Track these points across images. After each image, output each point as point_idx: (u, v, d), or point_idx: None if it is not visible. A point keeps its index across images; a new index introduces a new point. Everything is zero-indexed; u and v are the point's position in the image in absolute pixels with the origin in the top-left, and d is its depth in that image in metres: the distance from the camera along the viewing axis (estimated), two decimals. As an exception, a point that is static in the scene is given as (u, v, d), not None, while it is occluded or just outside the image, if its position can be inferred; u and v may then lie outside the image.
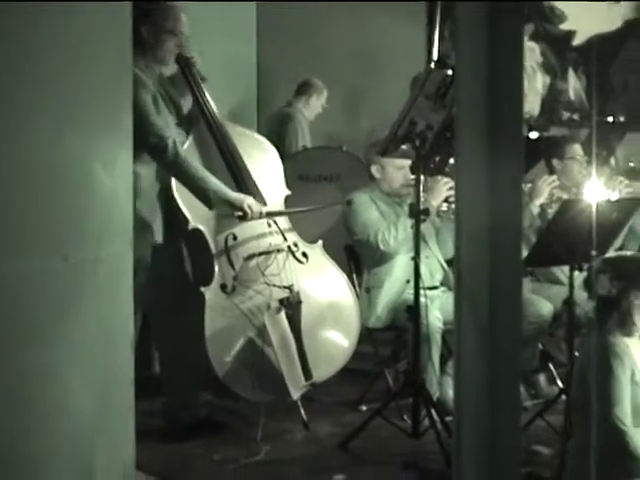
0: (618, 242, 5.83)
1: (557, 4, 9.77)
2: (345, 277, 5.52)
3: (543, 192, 5.85)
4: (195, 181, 4.88)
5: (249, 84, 8.81)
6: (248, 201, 4.98)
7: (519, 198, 1.70)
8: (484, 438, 1.90)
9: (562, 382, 5.55)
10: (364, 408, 5.61)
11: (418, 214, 4.98)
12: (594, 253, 4.47)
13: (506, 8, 1.67)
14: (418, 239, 5.00)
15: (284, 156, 6.17)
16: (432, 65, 4.91)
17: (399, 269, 5.60)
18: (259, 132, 5.81)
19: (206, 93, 5.13)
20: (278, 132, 8.05)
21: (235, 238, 5.10)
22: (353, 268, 5.84)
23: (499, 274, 1.69)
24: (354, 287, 5.62)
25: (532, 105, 9.62)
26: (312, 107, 8.34)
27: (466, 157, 1.89)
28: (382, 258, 5.61)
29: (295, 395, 5.07)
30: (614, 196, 5.91)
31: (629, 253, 4.60)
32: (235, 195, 4.98)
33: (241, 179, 5.11)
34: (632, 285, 3.93)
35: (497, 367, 1.77)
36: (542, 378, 5.92)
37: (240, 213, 4.96)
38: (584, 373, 3.96)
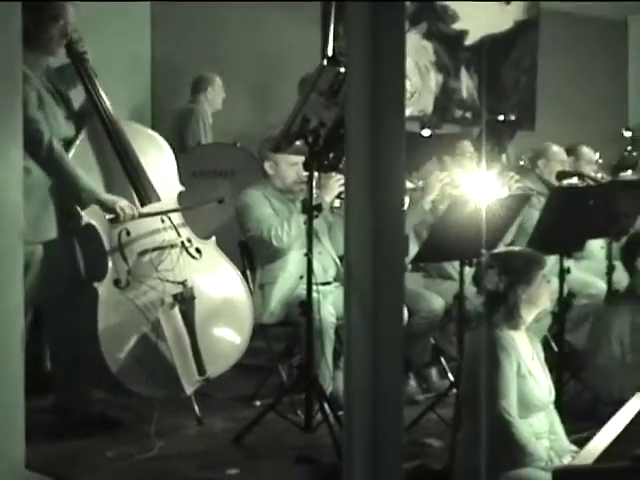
0: (508, 238, 5.96)
1: (450, 4, 9.92)
2: (238, 273, 5.52)
3: (435, 188, 5.93)
4: (67, 179, 4.83)
5: (144, 82, 8.73)
6: (120, 203, 4.94)
7: (401, 195, 1.75)
8: (370, 430, 1.94)
9: (453, 375, 5.66)
10: (258, 403, 5.64)
11: (310, 210, 5.01)
12: (484, 249, 4.57)
13: (386, 9, 1.71)
14: (310, 235, 5.04)
15: (178, 152, 6.15)
16: (325, 62, 4.93)
17: (292, 265, 5.63)
18: (155, 129, 5.77)
19: (99, 88, 5.08)
20: (181, 128, 8.05)
21: (129, 234, 5.07)
22: (247, 264, 5.86)
23: (382, 268, 1.73)
24: (247, 283, 5.64)
25: (426, 103, 9.76)
26: (212, 99, 8.33)
27: (354, 154, 1.92)
28: (275, 254, 5.63)
29: (189, 390, 5.06)
30: (504, 192, 6.03)
31: (516, 248, 4.69)
32: (107, 196, 4.94)
33: (135, 175, 5.08)
34: (518, 280, 4.03)
35: (381, 361, 1.81)
36: (434, 372, 6.02)
37: (112, 215, 4.92)
38: (473, 366, 4.05)
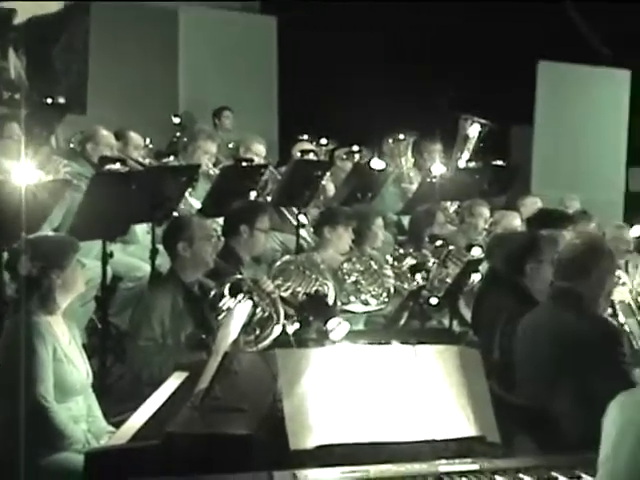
0: (56, 222, 5.90)
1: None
2: None
3: None
4: None
5: None
6: None
7: None
8: None
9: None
10: None
11: None
12: (23, 234, 4.50)
13: None
14: None
15: None
16: None
17: None
18: None
19: None
20: None
21: None
22: None
23: None
24: None
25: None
26: None
27: None
28: None
29: None
30: (51, 177, 5.95)
31: (50, 233, 4.68)
32: None
33: None
34: (52, 265, 4.02)
35: None
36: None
37: None
38: (9, 354, 3.98)
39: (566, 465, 3.54)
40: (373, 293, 6.27)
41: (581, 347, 4.12)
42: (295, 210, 7.26)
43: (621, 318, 5.44)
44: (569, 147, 11.70)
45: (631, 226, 8.17)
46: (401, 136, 9.41)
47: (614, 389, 2.98)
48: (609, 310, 5.14)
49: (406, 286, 6.50)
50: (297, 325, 5.08)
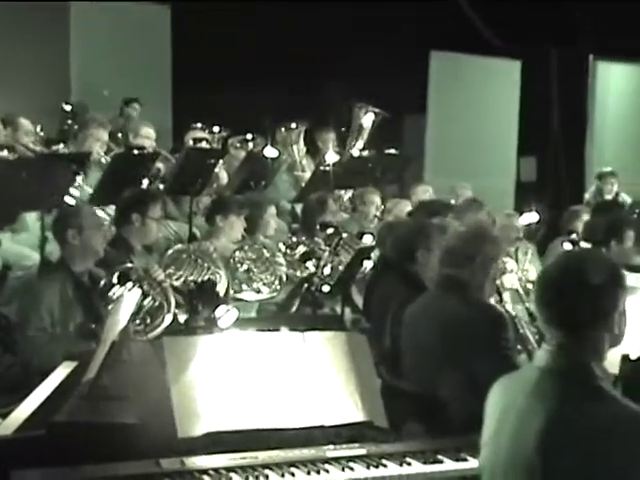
0: None
1: None
2: None
3: None
4: None
5: None
6: None
7: None
8: None
9: None
10: None
11: None
12: None
13: None
14: None
15: None
16: None
17: None
18: None
19: None
20: None
21: None
22: None
23: None
24: None
25: None
26: None
27: None
28: None
29: None
30: None
31: None
32: None
33: None
34: None
35: None
36: None
37: None
38: None
39: (452, 448, 3.63)
40: (265, 281, 6.27)
41: (466, 333, 4.20)
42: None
43: (508, 305, 5.53)
44: (461, 136, 11.85)
45: (521, 214, 8.38)
46: (293, 125, 9.45)
47: (498, 373, 3.04)
48: (496, 297, 5.22)
49: (298, 274, 6.51)
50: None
